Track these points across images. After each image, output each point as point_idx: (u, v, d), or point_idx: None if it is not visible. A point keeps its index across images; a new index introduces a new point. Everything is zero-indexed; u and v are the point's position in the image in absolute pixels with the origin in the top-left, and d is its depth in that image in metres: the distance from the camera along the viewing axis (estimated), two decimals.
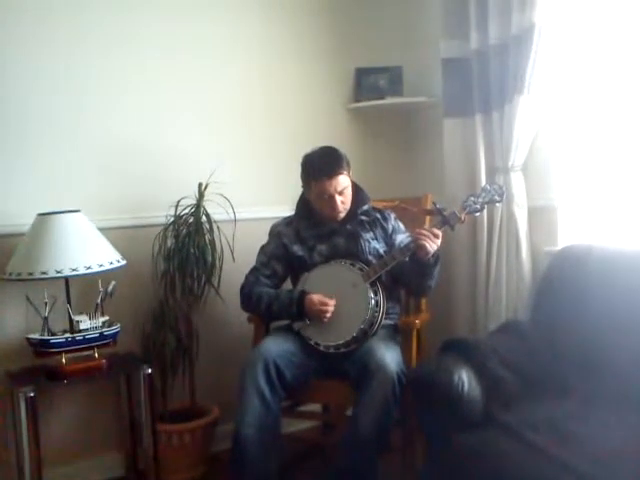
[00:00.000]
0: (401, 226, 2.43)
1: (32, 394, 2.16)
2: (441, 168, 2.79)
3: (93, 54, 2.51)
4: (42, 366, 2.31)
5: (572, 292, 2.12)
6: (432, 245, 2.12)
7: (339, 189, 2.25)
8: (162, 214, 2.54)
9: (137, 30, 2.58)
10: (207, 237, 2.54)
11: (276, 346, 2.19)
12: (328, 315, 2.19)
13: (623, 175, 2.34)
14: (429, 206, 2.57)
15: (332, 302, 2.20)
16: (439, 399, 1.85)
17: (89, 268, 2.22)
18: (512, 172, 2.52)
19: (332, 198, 2.25)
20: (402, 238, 2.36)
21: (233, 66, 2.80)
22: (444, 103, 2.74)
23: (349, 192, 2.31)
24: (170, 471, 2.51)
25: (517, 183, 2.52)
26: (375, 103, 3.00)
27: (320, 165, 2.25)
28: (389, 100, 2.99)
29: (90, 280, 2.33)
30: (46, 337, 2.24)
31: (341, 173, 2.24)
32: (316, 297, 2.21)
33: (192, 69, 2.71)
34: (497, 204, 2.40)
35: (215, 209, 2.57)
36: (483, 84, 2.57)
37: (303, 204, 2.41)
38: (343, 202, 2.28)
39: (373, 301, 2.18)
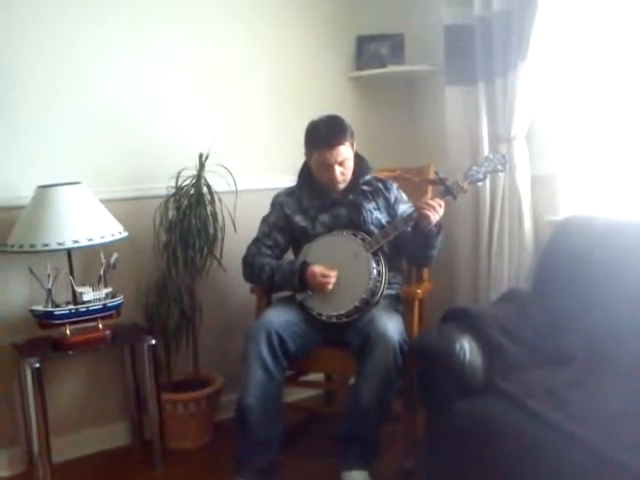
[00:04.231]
0: (403, 196, 2.42)
1: (38, 365, 2.18)
2: (443, 137, 2.77)
3: (90, 23, 2.47)
4: (47, 337, 2.33)
5: (574, 262, 2.12)
6: (435, 215, 2.12)
7: (339, 160, 2.23)
8: (163, 185, 2.53)
9: None
10: (208, 208, 2.54)
11: (279, 316, 2.20)
12: (330, 287, 2.19)
13: (625, 145, 2.31)
14: (431, 176, 2.56)
15: (334, 273, 2.20)
16: (441, 368, 1.87)
17: (91, 240, 2.23)
18: (515, 141, 2.50)
19: (331, 168, 2.24)
20: (404, 208, 2.35)
21: (233, 35, 2.76)
22: (446, 71, 2.70)
23: (350, 164, 2.29)
24: (175, 440, 2.56)
25: (520, 152, 2.50)
26: (376, 71, 2.96)
27: (323, 134, 2.23)
28: (391, 68, 2.95)
29: (92, 252, 2.34)
30: (50, 309, 2.25)
31: (343, 144, 2.22)
32: (318, 269, 2.21)
33: (192, 38, 2.67)
34: (500, 173, 2.38)
35: (216, 180, 2.56)
36: (486, 51, 2.53)
37: (305, 173, 2.39)
38: (343, 173, 2.27)
39: (375, 271, 2.18)
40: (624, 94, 2.29)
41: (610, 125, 2.35)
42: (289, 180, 2.49)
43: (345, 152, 2.24)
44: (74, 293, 2.30)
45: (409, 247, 2.29)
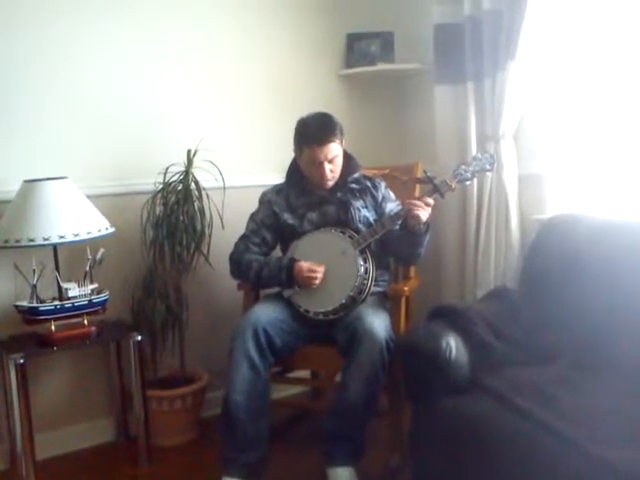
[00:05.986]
0: (391, 194, 2.42)
1: (22, 361, 2.17)
2: (432, 136, 2.78)
3: (81, 21, 2.46)
4: (31, 333, 2.31)
5: (560, 260, 2.13)
6: (423, 214, 2.12)
7: (329, 157, 2.23)
8: (150, 181, 2.52)
9: None
10: (196, 204, 2.53)
11: (266, 313, 2.20)
12: (317, 282, 2.19)
13: (613, 144, 2.33)
14: (419, 174, 2.57)
15: (321, 269, 2.20)
16: (427, 365, 1.87)
17: (77, 235, 2.21)
18: (503, 140, 2.51)
19: (321, 165, 2.24)
20: (392, 207, 2.36)
21: (223, 33, 2.75)
22: (435, 70, 2.71)
23: (339, 161, 2.29)
24: (160, 436, 2.54)
25: (507, 151, 2.52)
26: (366, 69, 2.96)
27: (313, 131, 2.23)
28: (380, 66, 2.95)
29: (78, 247, 2.32)
30: (35, 304, 2.23)
31: (333, 141, 2.22)
32: (305, 264, 2.21)
33: (181, 36, 2.66)
34: (487, 173, 2.40)
35: (204, 176, 2.55)
36: (475, 50, 2.54)
37: (294, 170, 2.39)
38: (332, 170, 2.27)
39: (362, 268, 2.18)
40: (612, 94, 2.31)
41: (598, 125, 2.36)
42: (277, 177, 2.49)
43: (335, 149, 2.24)
44: (60, 289, 2.29)
45: (397, 245, 2.29)
